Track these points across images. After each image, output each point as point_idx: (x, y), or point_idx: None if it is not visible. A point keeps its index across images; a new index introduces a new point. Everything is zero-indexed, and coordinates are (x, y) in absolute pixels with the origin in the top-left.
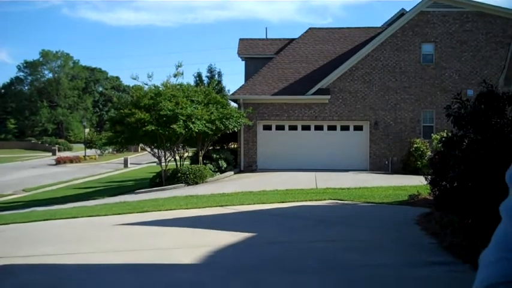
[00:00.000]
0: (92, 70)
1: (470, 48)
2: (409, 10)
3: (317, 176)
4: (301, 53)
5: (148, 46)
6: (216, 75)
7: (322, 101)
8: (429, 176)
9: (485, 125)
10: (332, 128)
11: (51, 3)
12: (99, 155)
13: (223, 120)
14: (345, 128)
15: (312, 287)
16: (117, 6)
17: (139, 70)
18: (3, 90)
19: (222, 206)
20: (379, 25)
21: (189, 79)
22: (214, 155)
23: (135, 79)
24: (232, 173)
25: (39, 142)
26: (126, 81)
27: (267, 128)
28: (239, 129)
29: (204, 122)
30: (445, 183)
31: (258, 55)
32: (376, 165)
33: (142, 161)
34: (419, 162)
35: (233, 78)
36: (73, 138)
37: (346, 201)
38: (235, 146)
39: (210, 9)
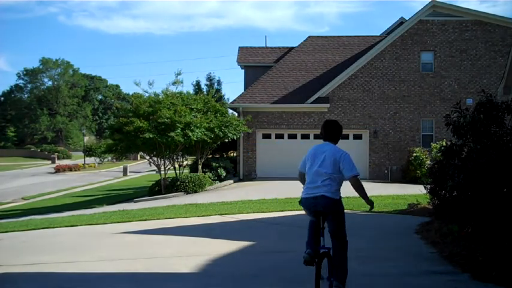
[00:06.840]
0: (92, 78)
1: (469, 57)
2: (409, 19)
3: None
4: (301, 61)
5: (146, 54)
6: (215, 84)
7: (322, 109)
8: (428, 185)
9: (484, 134)
10: None
11: (47, 10)
12: (98, 163)
13: (223, 128)
14: (344, 137)
15: None
16: (114, 14)
17: (138, 78)
18: (2, 98)
19: (221, 214)
20: (376, 34)
21: (187, 87)
22: (214, 164)
23: (137, 84)
24: (231, 181)
25: (39, 150)
26: (126, 89)
27: (267, 136)
28: (238, 137)
29: (203, 130)
30: (445, 193)
31: (257, 63)
32: (376, 174)
33: (141, 169)
34: (418, 171)
35: (232, 87)
36: (72, 146)
37: (345, 211)
38: (235, 154)
39: (206, 17)
